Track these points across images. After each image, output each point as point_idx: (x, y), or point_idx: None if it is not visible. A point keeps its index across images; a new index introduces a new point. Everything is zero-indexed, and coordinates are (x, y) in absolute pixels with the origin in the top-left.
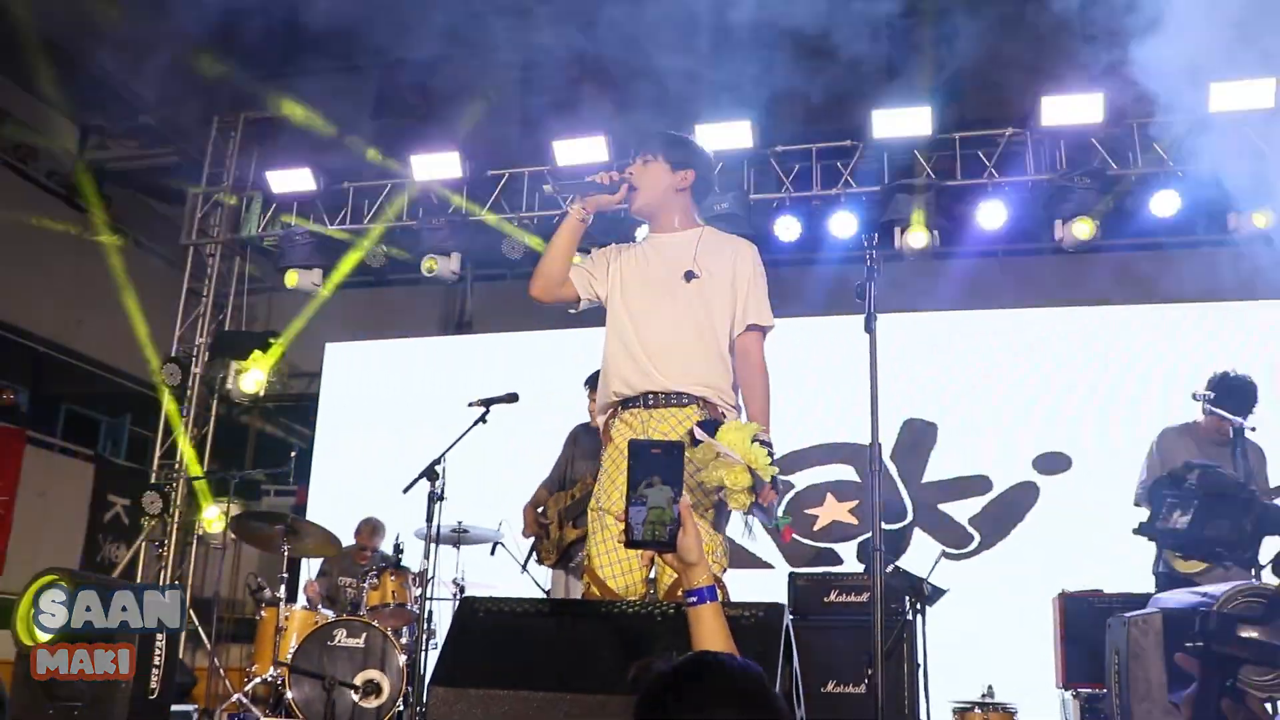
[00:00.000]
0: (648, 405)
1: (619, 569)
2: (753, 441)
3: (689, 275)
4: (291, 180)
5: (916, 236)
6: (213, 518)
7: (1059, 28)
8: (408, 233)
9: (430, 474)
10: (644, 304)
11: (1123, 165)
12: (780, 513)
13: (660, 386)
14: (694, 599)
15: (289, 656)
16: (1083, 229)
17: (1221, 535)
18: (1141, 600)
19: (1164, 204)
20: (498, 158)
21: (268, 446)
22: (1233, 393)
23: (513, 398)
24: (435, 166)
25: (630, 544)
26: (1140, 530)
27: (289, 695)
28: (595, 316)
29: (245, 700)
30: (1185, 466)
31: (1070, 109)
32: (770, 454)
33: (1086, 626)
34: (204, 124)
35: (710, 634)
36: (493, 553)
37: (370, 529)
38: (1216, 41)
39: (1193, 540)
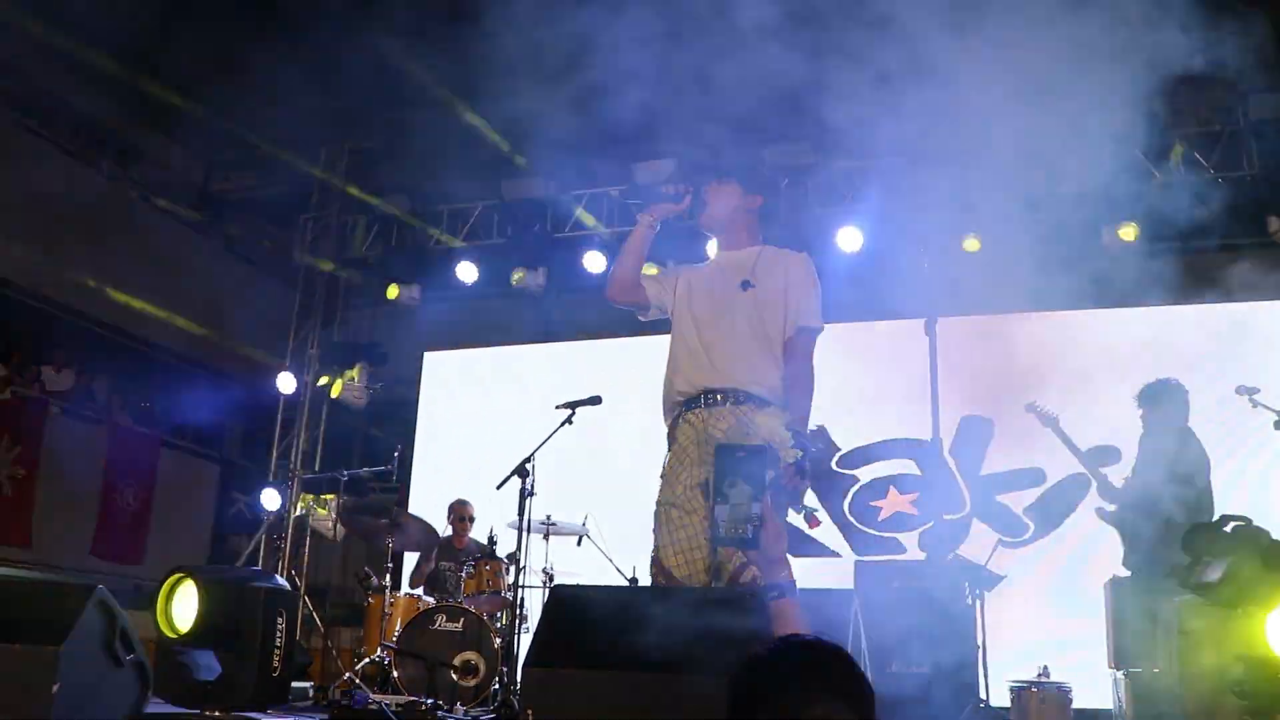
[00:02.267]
0: (708, 404)
1: (683, 558)
2: (785, 428)
3: (745, 284)
4: (395, 202)
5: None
6: (324, 512)
7: None
8: (498, 248)
9: (521, 471)
10: (706, 312)
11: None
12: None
13: (719, 385)
14: (775, 594)
15: (394, 639)
16: (1128, 231)
17: None
18: None
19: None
20: (581, 179)
21: (373, 448)
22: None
23: (596, 400)
24: (523, 187)
25: (717, 541)
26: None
27: (394, 674)
28: (667, 325)
29: (355, 678)
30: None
31: None
32: (795, 443)
33: (1135, 610)
34: (313, 153)
35: (791, 625)
36: (579, 544)
37: (461, 506)
38: None
39: None
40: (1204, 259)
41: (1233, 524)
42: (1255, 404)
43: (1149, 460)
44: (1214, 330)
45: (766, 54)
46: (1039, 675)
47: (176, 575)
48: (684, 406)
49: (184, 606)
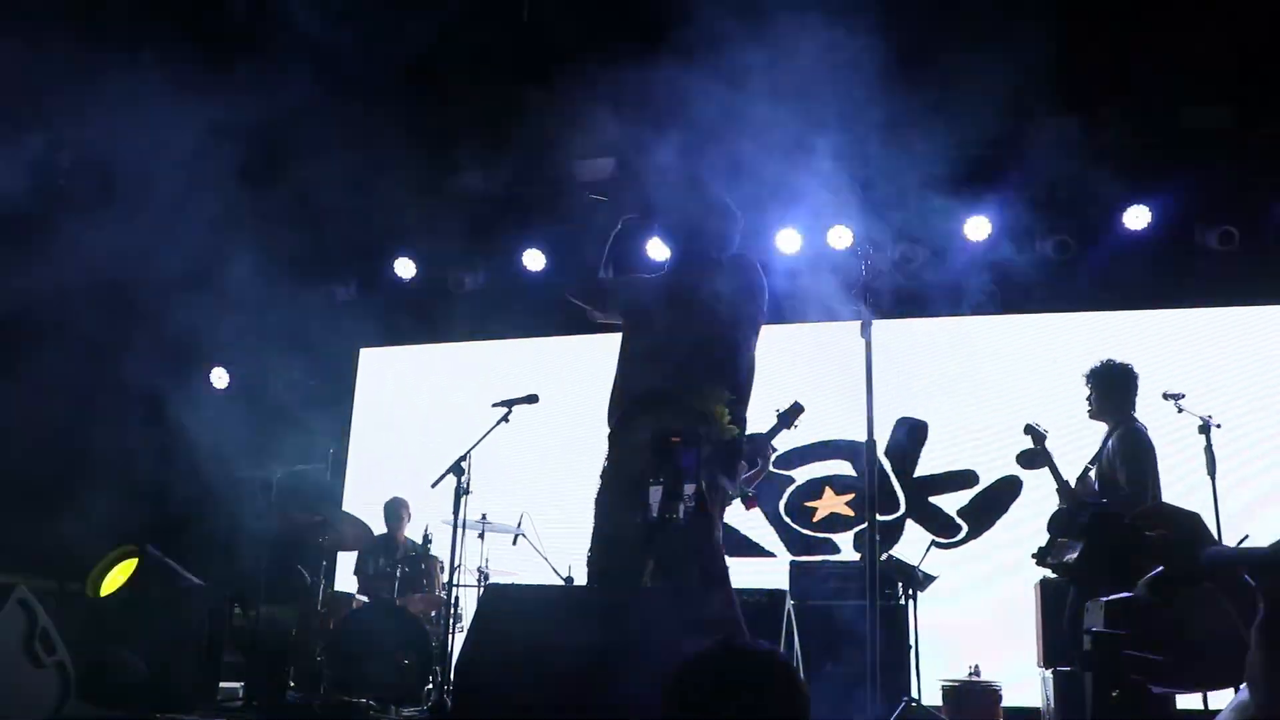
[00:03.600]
0: (649, 408)
1: (606, 548)
2: (723, 406)
3: (693, 291)
4: (333, 196)
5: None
6: (255, 510)
7: None
8: (436, 245)
9: (457, 470)
10: (656, 320)
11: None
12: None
13: (663, 387)
14: (705, 579)
15: (327, 639)
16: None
17: None
18: None
19: (1135, 217)
20: (527, 175)
21: (307, 446)
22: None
23: (533, 399)
24: (463, 183)
25: (649, 524)
26: None
27: (328, 673)
28: (605, 325)
29: (289, 678)
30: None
31: None
32: (733, 421)
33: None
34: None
35: (718, 609)
36: (514, 543)
37: (397, 505)
38: None
39: None
40: (1134, 266)
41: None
42: (1181, 410)
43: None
44: (1143, 335)
45: (717, 54)
46: (970, 674)
47: (125, 548)
48: (626, 409)
49: (118, 576)
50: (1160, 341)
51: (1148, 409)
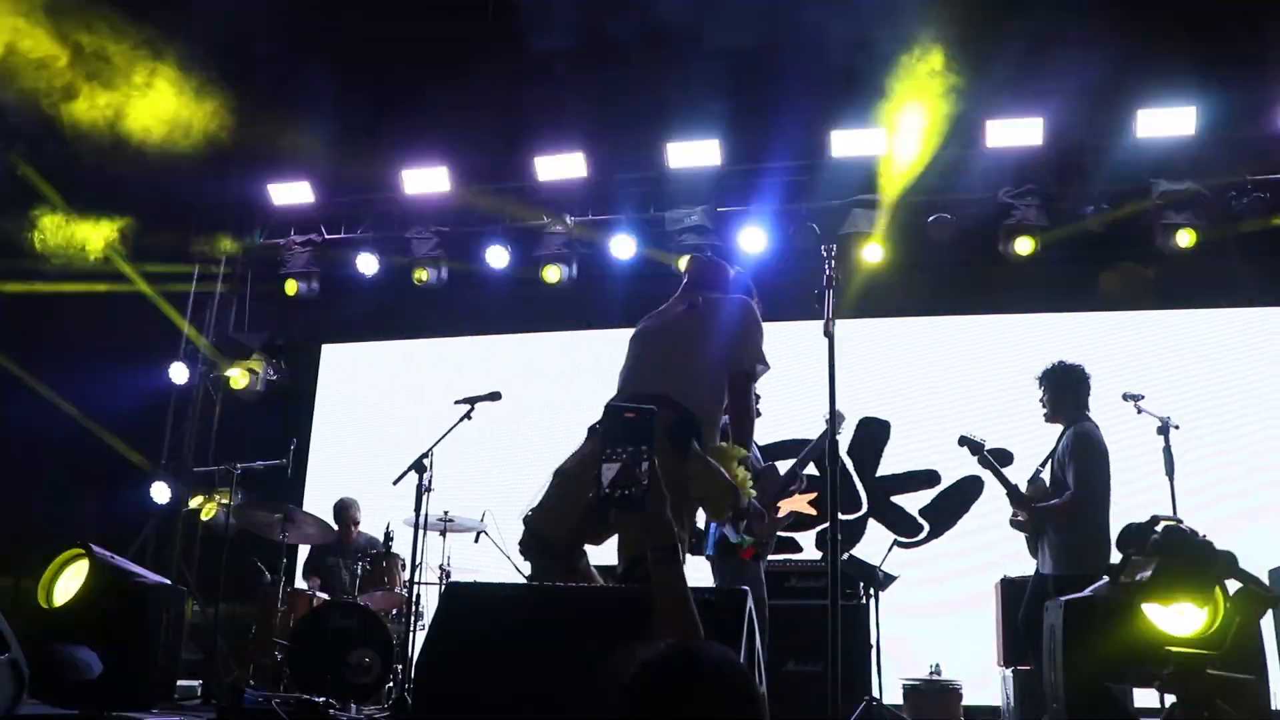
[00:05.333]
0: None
1: (554, 518)
2: (739, 464)
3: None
4: (291, 193)
5: (873, 249)
6: (213, 506)
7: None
8: (400, 242)
9: (419, 467)
10: (653, 335)
11: (1062, 185)
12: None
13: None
14: (657, 556)
15: (287, 636)
16: (1024, 244)
17: None
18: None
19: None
20: (483, 173)
21: (268, 442)
22: None
23: (495, 396)
24: (424, 180)
25: (601, 501)
26: None
27: (287, 671)
28: (571, 322)
29: (246, 676)
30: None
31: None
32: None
33: (1034, 612)
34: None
35: (670, 590)
36: (476, 541)
37: (345, 507)
38: None
39: None
40: (1094, 271)
41: (1163, 524)
42: (1140, 410)
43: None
44: (1102, 337)
45: (676, 54)
46: (930, 673)
47: (75, 551)
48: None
49: (70, 583)
50: (1122, 342)
51: (1109, 410)
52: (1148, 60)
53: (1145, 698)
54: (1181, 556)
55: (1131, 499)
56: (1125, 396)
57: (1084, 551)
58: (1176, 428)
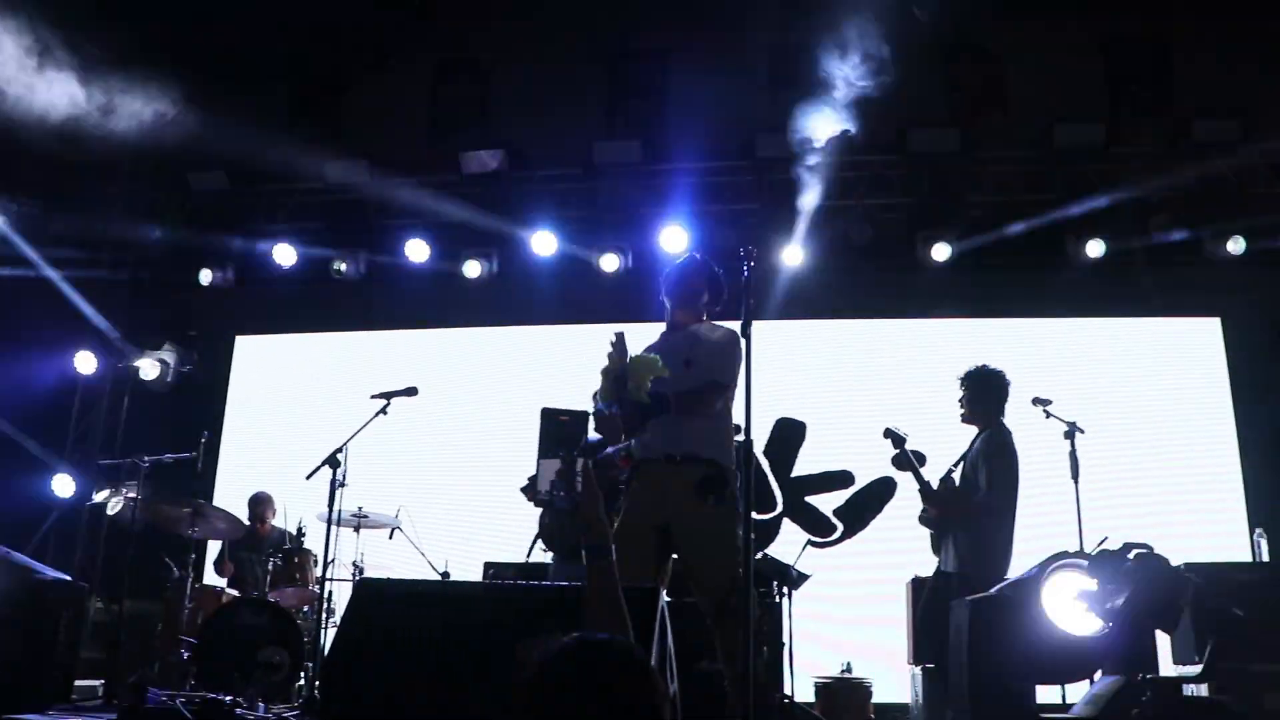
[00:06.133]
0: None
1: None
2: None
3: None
4: (208, 181)
5: (791, 252)
6: (120, 500)
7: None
8: (318, 233)
9: (333, 461)
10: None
11: (975, 192)
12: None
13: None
14: (591, 554)
15: (195, 634)
16: (942, 250)
17: None
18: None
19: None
20: (405, 166)
21: (179, 434)
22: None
23: (412, 391)
24: (345, 171)
25: (536, 501)
26: None
27: (194, 670)
28: (494, 318)
29: (150, 675)
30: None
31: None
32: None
33: (935, 609)
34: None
35: (601, 586)
36: (391, 537)
37: (259, 501)
38: None
39: None
40: (1008, 277)
41: (1135, 551)
42: (1049, 415)
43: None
44: (1015, 342)
45: (605, 53)
46: (842, 671)
47: None
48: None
49: None
50: (1033, 348)
51: (1018, 413)
52: (1063, 76)
53: (1047, 694)
54: (1153, 585)
55: (1038, 500)
56: (1035, 401)
57: (988, 552)
58: (1082, 432)
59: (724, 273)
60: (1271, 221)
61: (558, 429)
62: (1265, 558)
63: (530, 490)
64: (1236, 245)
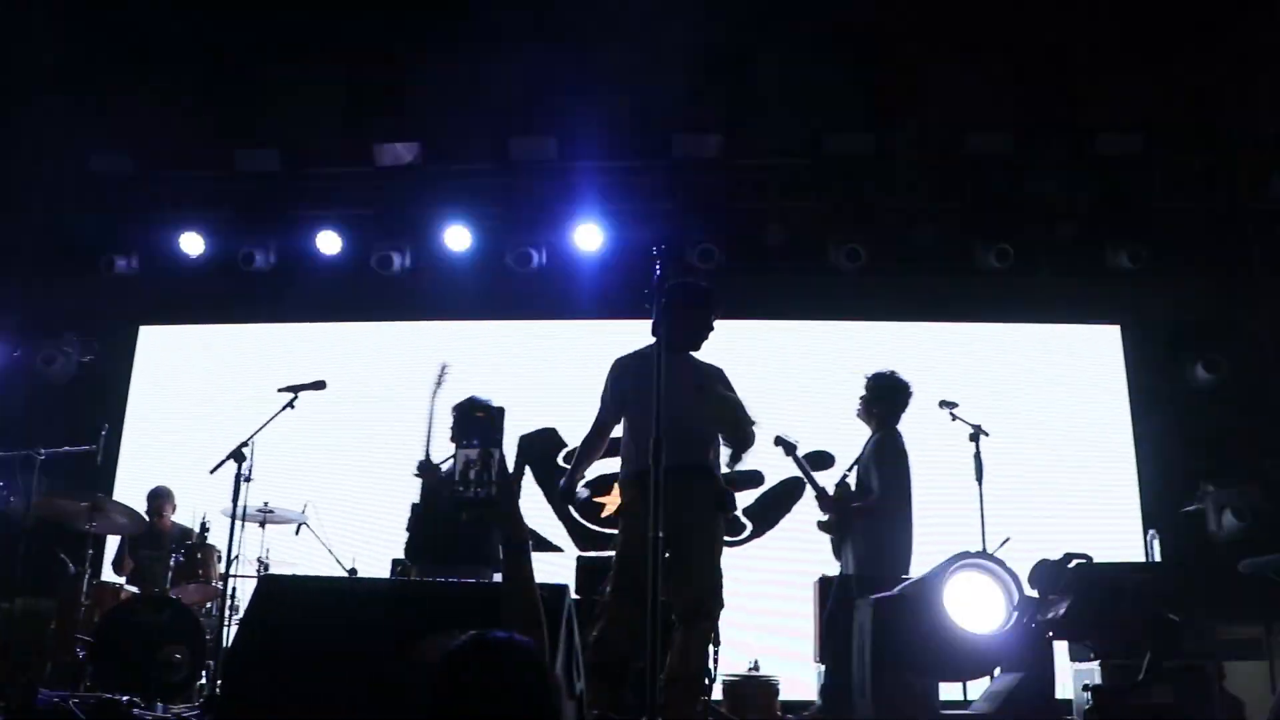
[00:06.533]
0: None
1: None
2: None
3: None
4: (112, 164)
5: (704, 251)
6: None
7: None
8: (227, 221)
9: (238, 455)
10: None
11: (888, 196)
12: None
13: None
14: (509, 550)
15: (92, 633)
16: (853, 253)
17: None
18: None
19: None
20: (318, 155)
21: (77, 427)
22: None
23: (320, 385)
24: (256, 159)
25: (457, 501)
26: None
27: (91, 670)
28: (406, 312)
29: (42, 675)
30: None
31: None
32: None
33: (839, 609)
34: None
35: (518, 583)
36: (297, 533)
37: (158, 496)
38: None
39: None
40: (918, 281)
41: (1075, 561)
42: (955, 417)
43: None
44: (920, 346)
45: (513, 50)
46: (750, 669)
47: None
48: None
49: None
50: (941, 352)
51: (926, 416)
52: (976, 85)
53: (949, 691)
54: (1093, 594)
55: (943, 501)
56: (941, 404)
57: (885, 553)
58: (987, 435)
59: (637, 272)
60: (1171, 233)
61: (475, 425)
62: (1158, 557)
63: (429, 469)
64: (1136, 256)
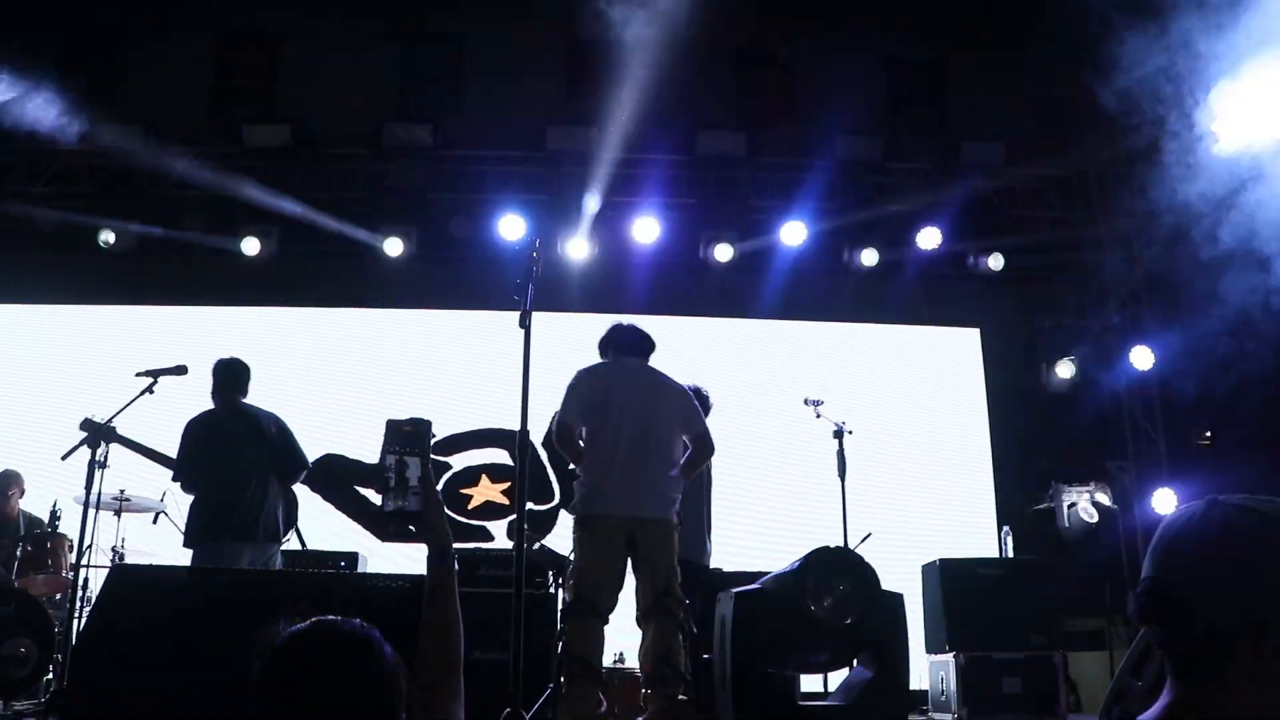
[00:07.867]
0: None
1: None
2: None
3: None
4: None
5: (578, 246)
6: None
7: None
8: (85, 198)
9: (92, 441)
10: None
11: (760, 197)
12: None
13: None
14: (433, 558)
15: None
16: (725, 251)
17: None
18: (751, 578)
19: (792, 233)
20: (184, 134)
21: None
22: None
23: (181, 370)
24: (118, 135)
25: (381, 514)
26: None
27: None
28: (271, 297)
29: None
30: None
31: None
32: None
33: (707, 599)
34: None
35: (440, 588)
36: (155, 522)
37: (4, 480)
38: None
39: None
40: (786, 280)
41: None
42: (819, 415)
43: None
44: (786, 344)
45: (400, 33)
46: (615, 661)
47: None
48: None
49: None
50: (806, 351)
51: (792, 413)
52: (849, 91)
53: (810, 683)
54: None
55: (807, 497)
56: (806, 401)
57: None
58: (850, 433)
59: (510, 262)
60: (1028, 240)
61: (401, 437)
62: (1010, 553)
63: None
64: (996, 261)
